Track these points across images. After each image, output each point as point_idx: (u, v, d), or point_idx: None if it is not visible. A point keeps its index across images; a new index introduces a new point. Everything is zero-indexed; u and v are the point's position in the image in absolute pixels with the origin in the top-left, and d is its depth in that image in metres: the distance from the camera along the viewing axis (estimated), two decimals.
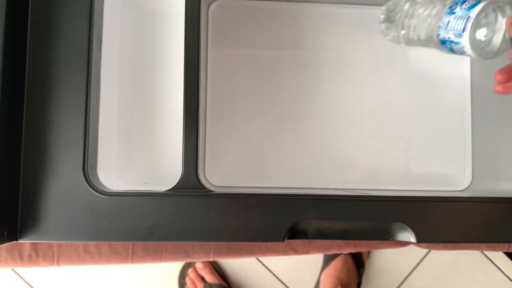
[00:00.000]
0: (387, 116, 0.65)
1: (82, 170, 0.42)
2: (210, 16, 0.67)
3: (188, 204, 0.42)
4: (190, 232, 0.42)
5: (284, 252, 0.72)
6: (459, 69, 0.69)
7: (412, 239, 0.44)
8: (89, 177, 0.42)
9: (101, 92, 0.46)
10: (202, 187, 0.43)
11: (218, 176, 0.63)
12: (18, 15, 0.41)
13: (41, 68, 0.42)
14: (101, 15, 0.45)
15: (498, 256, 1.21)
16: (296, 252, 0.72)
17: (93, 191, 0.41)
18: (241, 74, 0.66)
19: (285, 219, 0.43)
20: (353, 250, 0.74)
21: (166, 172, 0.54)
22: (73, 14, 0.43)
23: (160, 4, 0.56)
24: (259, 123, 0.65)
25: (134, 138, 0.55)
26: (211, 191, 0.43)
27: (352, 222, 0.44)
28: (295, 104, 0.66)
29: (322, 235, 0.44)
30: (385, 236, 0.45)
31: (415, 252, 1.21)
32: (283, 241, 0.43)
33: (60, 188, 0.42)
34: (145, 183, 0.53)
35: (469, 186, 0.67)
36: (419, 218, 0.44)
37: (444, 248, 0.74)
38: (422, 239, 0.43)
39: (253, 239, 0.43)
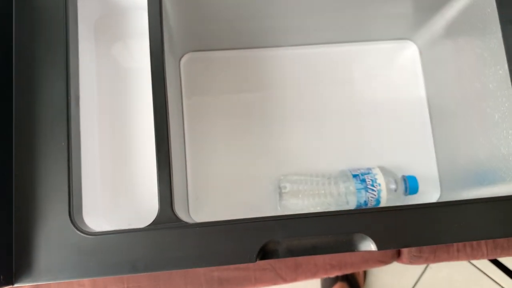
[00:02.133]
0: (356, 148, 0.71)
1: (68, 215, 0.46)
2: (181, 69, 0.73)
3: (165, 237, 0.47)
4: (170, 261, 0.46)
5: (273, 281, 0.75)
6: (415, 92, 0.75)
7: (373, 247, 0.48)
8: (75, 220, 0.46)
9: (82, 143, 0.51)
10: (178, 219, 0.47)
11: (202, 214, 0.67)
12: (4, 85, 0.47)
13: (25, 127, 0.48)
14: (77, 76, 0.51)
15: (491, 269, 1.23)
16: (285, 280, 0.75)
17: (79, 232, 0.46)
18: (215, 118, 0.72)
19: (255, 241, 0.47)
20: (339, 273, 0.76)
21: (147, 210, 0.58)
22: (52, 77, 0.49)
23: (130, 62, 0.63)
24: (235, 163, 0.70)
25: (117, 183, 0.60)
26: (186, 223, 0.48)
27: (318, 238, 0.48)
28: (269, 139, 0.72)
29: (292, 252, 0.48)
30: (350, 248, 0.49)
31: (410, 273, 1.23)
32: (255, 261, 0.47)
33: (49, 233, 0.46)
34: (129, 224, 0.57)
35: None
36: (376, 227, 0.48)
37: (426, 261, 0.77)
38: (382, 246, 0.47)
39: (228, 262, 0.46)
